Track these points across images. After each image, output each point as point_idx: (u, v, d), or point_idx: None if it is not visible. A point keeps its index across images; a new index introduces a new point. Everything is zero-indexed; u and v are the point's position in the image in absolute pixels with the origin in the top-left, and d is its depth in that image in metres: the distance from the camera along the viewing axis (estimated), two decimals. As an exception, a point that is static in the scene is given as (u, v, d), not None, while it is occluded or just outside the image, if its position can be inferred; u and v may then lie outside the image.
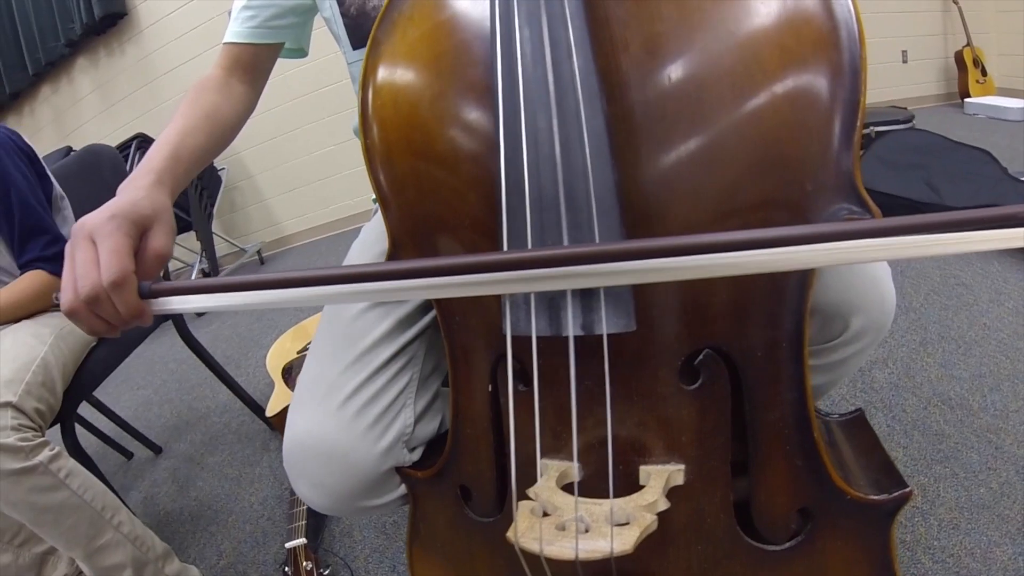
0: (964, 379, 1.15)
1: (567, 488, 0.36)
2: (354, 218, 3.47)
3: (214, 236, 3.07)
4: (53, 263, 0.97)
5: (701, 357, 0.36)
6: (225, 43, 0.68)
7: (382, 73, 0.39)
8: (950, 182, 1.71)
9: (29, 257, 0.95)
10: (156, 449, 1.55)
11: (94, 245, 0.39)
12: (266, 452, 1.40)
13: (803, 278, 0.35)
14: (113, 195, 1.27)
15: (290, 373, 1.43)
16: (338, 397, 0.49)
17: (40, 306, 0.98)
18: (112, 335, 0.42)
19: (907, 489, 0.38)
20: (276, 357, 1.54)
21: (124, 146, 2.65)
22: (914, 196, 1.72)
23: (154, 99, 3.39)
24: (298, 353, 1.51)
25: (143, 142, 2.65)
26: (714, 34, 0.31)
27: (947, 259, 1.61)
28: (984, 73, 3.73)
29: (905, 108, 3.45)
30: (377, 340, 0.52)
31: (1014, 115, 3.25)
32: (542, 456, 0.37)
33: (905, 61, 3.80)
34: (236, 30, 0.67)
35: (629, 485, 0.37)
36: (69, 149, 3.17)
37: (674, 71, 0.32)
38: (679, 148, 0.32)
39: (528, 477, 0.36)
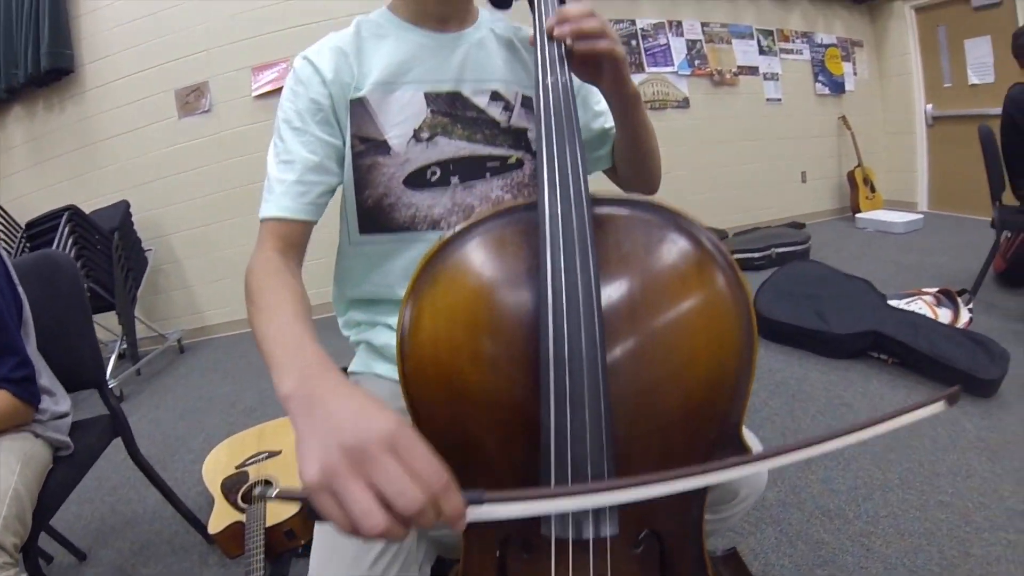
0: (842, 492, 1.41)
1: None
2: (275, 316, 3.49)
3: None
4: (18, 385, 1.02)
5: (643, 535, 0.55)
6: (272, 218, 0.66)
7: (423, 318, 0.52)
8: (837, 311, 2.08)
9: None
10: (80, 555, 1.53)
11: (395, 456, 0.36)
12: (205, 567, 1.42)
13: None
14: (64, 305, 1.23)
15: (230, 489, 1.45)
16: None
17: (1, 427, 1.01)
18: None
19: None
20: (213, 470, 1.55)
21: (54, 215, 2.63)
22: (806, 324, 2.07)
23: (87, 164, 3.37)
24: (236, 468, 1.53)
25: (75, 215, 2.64)
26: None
27: (832, 380, 1.93)
28: (873, 190, 4.44)
29: (803, 225, 4.03)
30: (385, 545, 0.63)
31: (898, 228, 3.90)
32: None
33: (804, 181, 4.46)
34: (288, 205, 0.67)
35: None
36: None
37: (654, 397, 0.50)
38: (644, 412, 0.51)
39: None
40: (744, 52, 4.07)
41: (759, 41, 4.11)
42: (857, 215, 4.26)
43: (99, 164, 3.36)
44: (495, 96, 0.74)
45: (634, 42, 3.74)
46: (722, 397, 0.52)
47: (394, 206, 0.72)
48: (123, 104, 3.30)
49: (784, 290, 2.26)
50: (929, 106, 4.35)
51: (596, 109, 0.79)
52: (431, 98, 0.72)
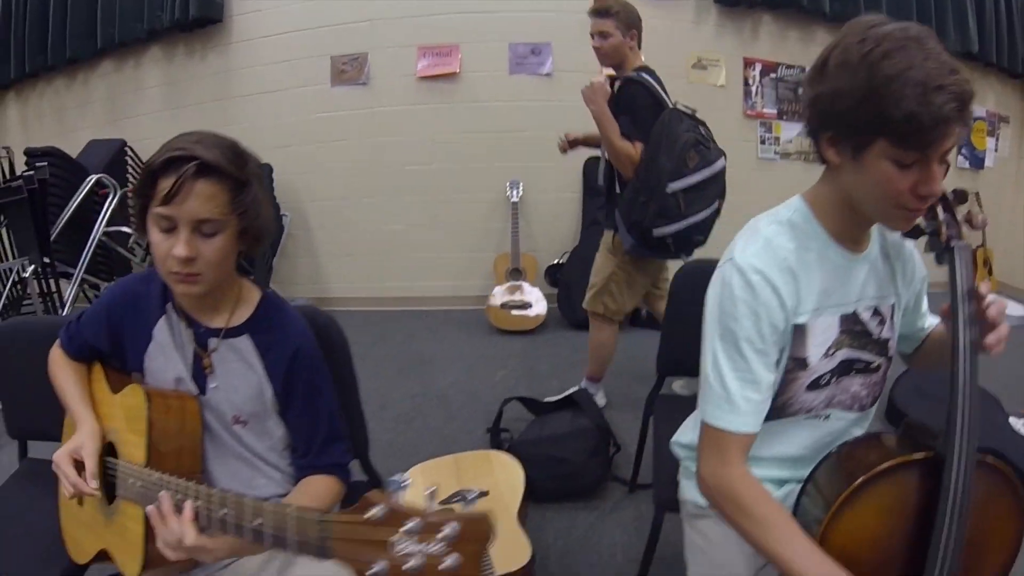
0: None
1: None
2: (404, 300, 3.62)
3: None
4: (346, 471, 1.03)
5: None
6: (741, 433, 0.83)
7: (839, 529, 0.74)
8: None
9: (329, 461, 1.01)
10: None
11: None
12: None
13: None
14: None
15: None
16: None
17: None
18: None
19: None
20: (414, 501, 1.45)
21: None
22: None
23: (222, 118, 3.53)
24: (442, 505, 1.44)
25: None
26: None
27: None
28: (991, 272, 4.49)
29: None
30: None
31: (1013, 321, 3.98)
32: None
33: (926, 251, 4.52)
34: (756, 423, 0.84)
35: None
36: (124, 143, 3.35)
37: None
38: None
39: None
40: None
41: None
42: (970, 298, 4.31)
43: (235, 120, 3.53)
44: (875, 312, 0.91)
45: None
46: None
47: (790, 403, 0.90)
48: (270, 63, 3.46)
49: (922, 389, 2.44)
50: (1063, 194, 4.37)
51: (923, 310, 1.00)
52: (841, 320, 0.88)
